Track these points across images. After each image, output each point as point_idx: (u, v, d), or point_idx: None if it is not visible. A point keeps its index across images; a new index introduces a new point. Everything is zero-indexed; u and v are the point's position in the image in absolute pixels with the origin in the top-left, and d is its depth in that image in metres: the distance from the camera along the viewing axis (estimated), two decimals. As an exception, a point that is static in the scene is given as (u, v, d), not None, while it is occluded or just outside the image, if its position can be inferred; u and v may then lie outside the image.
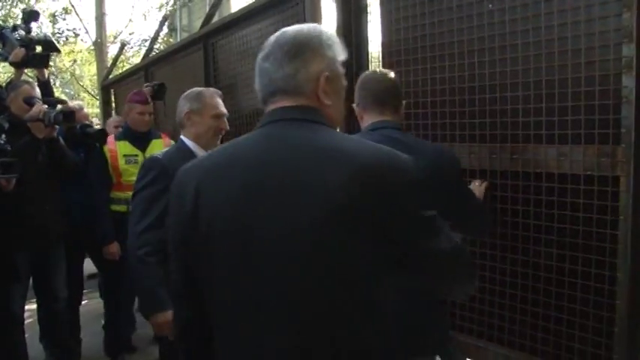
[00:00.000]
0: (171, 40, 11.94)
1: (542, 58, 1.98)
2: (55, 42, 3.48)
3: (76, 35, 14.90)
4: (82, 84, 17.26)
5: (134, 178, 3.16)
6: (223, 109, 2.31)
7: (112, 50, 14.31)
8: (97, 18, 13.19)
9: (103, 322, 3.82)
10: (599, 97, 1.84)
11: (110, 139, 3.50)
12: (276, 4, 3.25)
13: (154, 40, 6.97)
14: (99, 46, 13.37)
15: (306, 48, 1.11)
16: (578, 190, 1.93)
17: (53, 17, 15.07)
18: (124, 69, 9.60)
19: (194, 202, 1.06)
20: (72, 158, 3.20)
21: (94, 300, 4.69)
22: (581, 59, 1.87)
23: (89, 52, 15.68)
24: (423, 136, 2.40)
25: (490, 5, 2.14)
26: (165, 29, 9.83)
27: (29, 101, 2.96)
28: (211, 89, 2.38)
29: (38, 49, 3.39)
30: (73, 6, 14.81)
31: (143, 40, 15.16)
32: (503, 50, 2.10)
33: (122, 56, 13.34)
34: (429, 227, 1.06)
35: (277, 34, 1.15)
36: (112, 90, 7.24)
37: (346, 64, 1.20)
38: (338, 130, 1.19)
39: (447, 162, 1.77)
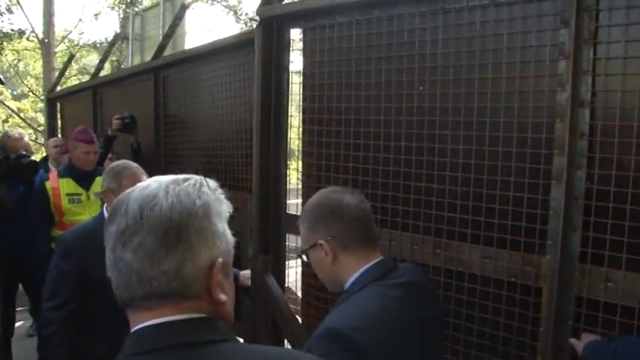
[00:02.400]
0: (123, 45, 11.64)
1: (472, 153, 1.90)
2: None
3: (21, 34, 13.57)
4: (26, 83, 15.91)
5: (77, 218, 3.24)
6: None
7: (60, 49, 13.66)
8: (44, 17, 12.40)
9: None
10: (527, 206, 1.78)
11: (53, 176, 3.36)
12: (229, 49, 3.17)
13: (105, 59, 6.44)
14: (46, 46, 12.51)
15: (190, 226, 0.77)
16: (501, 295, 1.86)
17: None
18: (71, 72, 8.93)
19: None
20: (7, 205, 3.15)
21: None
22: (511, 162, 1.81)
23: (35, 50, 14.41)
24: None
25: (421, 88, 2.03)
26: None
27: None
28: (134, 167, 2.21)
29: None
30: (19, 3, 13.50)
31: (94, 42, 14.30)
32: (432, 139, 2.00)
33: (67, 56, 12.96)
34: None
35: (135, 202, 0.78)
36: (58, 103, 6.73)
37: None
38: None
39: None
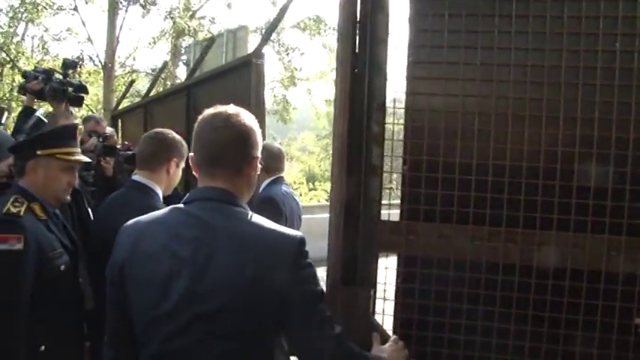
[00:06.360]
0: (175, 70, 13.93)
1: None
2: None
3: (86, 60, 15.16)
4: (86, 103, 17.30)
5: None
6: None
7: (118, 73, 15.57)
8: (107, 44, 14.36)
9: None
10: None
11: None
12: (235, 69, 4.29)
13: (154, 83, 8.37)
14: (108, 70, 14.14)
15: None
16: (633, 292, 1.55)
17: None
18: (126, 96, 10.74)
19: None
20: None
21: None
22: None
23: (92, 74, 15.94)
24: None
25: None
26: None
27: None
28: None
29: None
30: (84, 24, 15.26)
31: (151, 69, 16.04)
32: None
33: (123, 79, 15.21)
34: None
35: None
36: (119, 120, 8.30)
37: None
38: None
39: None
